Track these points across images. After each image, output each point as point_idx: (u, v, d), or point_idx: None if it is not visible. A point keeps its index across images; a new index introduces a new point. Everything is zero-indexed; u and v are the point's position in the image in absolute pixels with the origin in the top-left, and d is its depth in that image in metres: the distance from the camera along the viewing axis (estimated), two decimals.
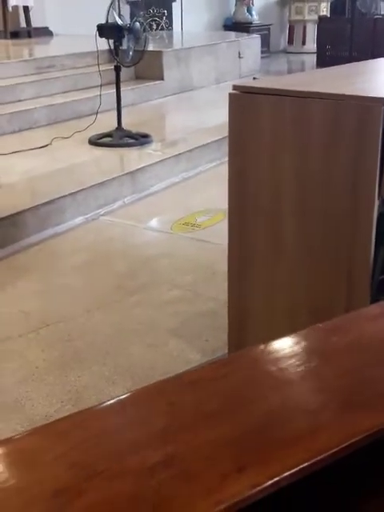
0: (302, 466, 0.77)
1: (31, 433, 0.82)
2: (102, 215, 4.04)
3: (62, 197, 3.89)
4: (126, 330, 2.75)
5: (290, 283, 2.18)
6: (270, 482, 0.75)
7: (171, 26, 9.92)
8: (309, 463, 0.77)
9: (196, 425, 0.83)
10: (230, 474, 0.75)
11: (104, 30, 4.80)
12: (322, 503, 0.93)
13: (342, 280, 2.10)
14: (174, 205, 4.25)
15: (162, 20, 9.69)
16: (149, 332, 2.72)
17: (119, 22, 4.78)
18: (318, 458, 0.78)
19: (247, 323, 2.32)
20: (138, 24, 4.90)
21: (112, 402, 0.87)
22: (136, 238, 3.79)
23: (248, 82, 4.77)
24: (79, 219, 3.94)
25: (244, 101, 2.12)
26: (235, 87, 2.15)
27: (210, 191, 4.29)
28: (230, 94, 2.14)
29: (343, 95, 1.93)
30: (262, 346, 1.00)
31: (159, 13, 9.61)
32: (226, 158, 2.23)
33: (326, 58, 9.82)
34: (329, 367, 0.97)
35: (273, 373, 0.95)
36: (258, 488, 0.74)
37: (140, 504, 0.71)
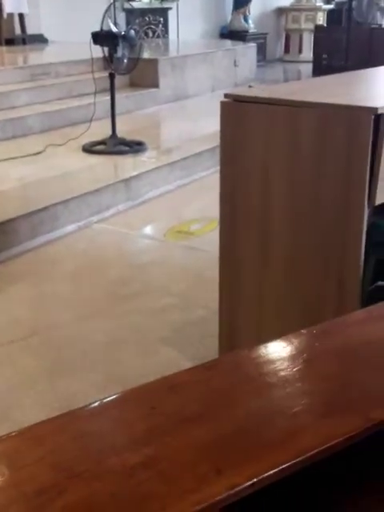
0: (280, 468, 0.78)
1: (11, 436, 0.83)
2: (95, 222, 4.05)
3: (54, 204, 3.89)
4: (118, 338, 2.75)
5: (281, 292, 2.19)
6: (247, 484, 0.76)
7: (167, 33, 9.96)
8: (287, 465, 0.78)
9: (176, 428, 0.84)
10: (208, 476, 0.76)
11: (99, 37, 4.82)
12: (308, 502, 0.94)
13: (332, 289, 2.11)
14: (168, 213, 4.26)
15: (158, 28, 9.73)
16: (140, 340, 2.72)
17: (114, 29, 4.80)
18: (297, 459, 0.79)
19: (238, 331, 2.33)
20: (132, 32, 4.92)
21: (94, 404, 0.88)
22: (129, 246, 3.80)
23: (242, 90, 4.80)
24: (72, 226, 3.94)
25: (236, 109, 2.13)
26: (227, 95, 2.17)
27: (204, 199, 4.30)
28: (221, 102, 2.15)
29: (333, 104, 1.94)
30: (244, 351, 1.01)
31: (155, 20, 9.65)
32: None
33: (323, 67, 9.86)
34: (311, 371, 0.98)
35: (255, 377, 0.95)
36: (236, 489, 0.75)
37: (119, 503, 0.72)
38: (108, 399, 0.90)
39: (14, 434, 0.84)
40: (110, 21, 4.81)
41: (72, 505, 0.72)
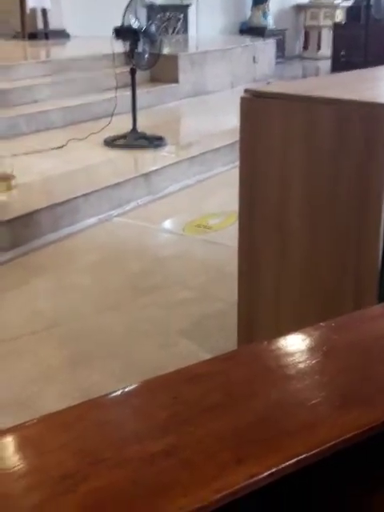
0: (299, 458, 0.79)
1: (37, 422, 0.85)
2: (115, 216, 4.08)
3: (76, 197, 3.93)
4: (137, 330, 2.78)
5: (298, 284, 2.21)
6: (267, 473, 0.77)
7: (187, 29, 9.96)
8: (306, 455, 0.79)
9: (197, 417, 0.86)
10: (229, 464, 0.78)
11: (120, 32, 4.84)
12: (323, 496, 0.95)
13: (349, 282, 2.12)
14: (188, 207, 4.28)
15: (177, 24, 9.73)
16: (159, 332, 2.75)
17: (135, 24, 4.82)
18: (316, 450, 0.81)
19: (256, 324, 2.34)
20: (153, 27, 4.94)
21: (116, 393, 0.90)
22: (149, 240, 3.83)
23: (261, 86, 4.80)
24: (93, 220, 3.98)
25: (255, 104, 2.15)
26: (246, 91, 2.18)
27: (223, 194, 4.31)
28: (241, 97, 2.16)
29: (351, 101, 1.95)
30: (264, 343, 1.03)
31: (175, 17, 9.65)
32: None
33: (341, 63, 9.79)
34: (330, 364, 0.99)
35: (274, 368, 0.97)
36: (256, 478, 0.76)
37: (141, 490, 0.74)
38: (129, 388, 0.93)
39: (38, 420, 0.86)
40: (131, 16, 4.83)
41: (95, 490, 0.74)
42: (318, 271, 2.15)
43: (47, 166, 4.44)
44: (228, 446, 0.81)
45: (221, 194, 4.36)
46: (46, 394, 2.34)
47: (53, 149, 4.80)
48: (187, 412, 0.87)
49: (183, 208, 4.28)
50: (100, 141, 5.05)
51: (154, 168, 4.56)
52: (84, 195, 3.98)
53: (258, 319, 2.33)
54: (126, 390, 0.91)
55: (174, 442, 0.81)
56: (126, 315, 2.91)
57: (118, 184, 4.21)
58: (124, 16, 4.84)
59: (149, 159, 4.87)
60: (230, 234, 3.62)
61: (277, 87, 2.56)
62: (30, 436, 0.84)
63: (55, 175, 4.33)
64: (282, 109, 2.07)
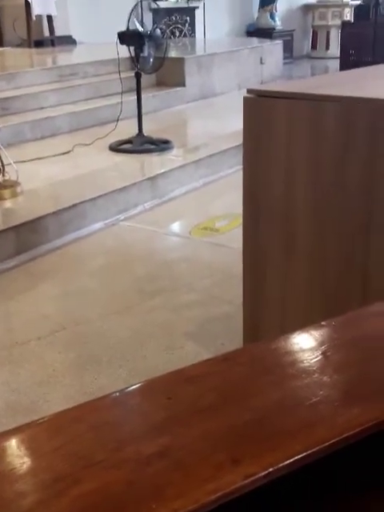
0: (296, 458, 0.78)
1: (31, 425, 0.84)
2: (121, 220, 4.07)
3: (82, 202, 3.93)
4: (144, 333, 2.77)
5: (304, 287, 2.19)
6: (263, 473, 0.76)
7: (194, 32, 9.97)
8: (303, 455, 0.78)
9: (193, 418, 0.84)
10: (225, 465, 0.76)
11: (125, 37, 4.84)
12: (320, 496, 0.94)
13: (356, 284, 2.09)
14: (194, 210, 4.27)
15: (184, 27, 9.75)
16: (166, 335, 2.73)
17: (139, 28, 4.82)
18: (313, 450, 0.79)
19: (261, 326, 2.32)
20: (158, 31, 4.94)
21: (111, 395, 0.89)
22: (155, 243, 3.82)
23: (266, 85, 4.77)
24: (99, 224, 3.97)
25: (259, 104, 2.13)
26: (250, 91, 2.16)
27: (229, 196, 4.29)
28: (244, 97, 2.15)
29: (356, 98, 1.93)
30: (264, 343, 1.01)
31: (182, 20, 9.67)
32: None
33: (350, 63, 9.74)
34: (330, 363, 0.98)
35: (273, 368, 0.96)
36: (252, 478, 0.75)
37: (135, 491, 0.73)
38: (125, 390, 0.91)
39: (33, 423, 0.85)
40: (136, 20, 4.83)
41: (88, 493, 0.73)
42: (324, 271, 2.13)
43: (53, 172, 4.45)
44: (223, 446, 0.80)
45: (227, 197, 4.34)
46: (52, 397, 2.33)
47: (59, 155, 4.81)
48: (182, 413, 0.85)
49: (190, 211, 4.27)
50: (106, 146, 5.05)
51: (160, 171, 4.55)
52: (90, 200, 3.98)
53: (264, 321, 2.31)
54: (121, 392, 0.90)
55: (169, 443, 0.79)
56: (132, 319, 2.90)
57: (124, 188, 4.20)
58: (128, 20, 4.84)
59: (155, 163, 4.87)
60: (236, 237, 3.59)
61: (280, 86, 2.54)
62: (23, 439, 0.82)
63: (61, 181, 4.32)
64: (286, 107, 2.05)
